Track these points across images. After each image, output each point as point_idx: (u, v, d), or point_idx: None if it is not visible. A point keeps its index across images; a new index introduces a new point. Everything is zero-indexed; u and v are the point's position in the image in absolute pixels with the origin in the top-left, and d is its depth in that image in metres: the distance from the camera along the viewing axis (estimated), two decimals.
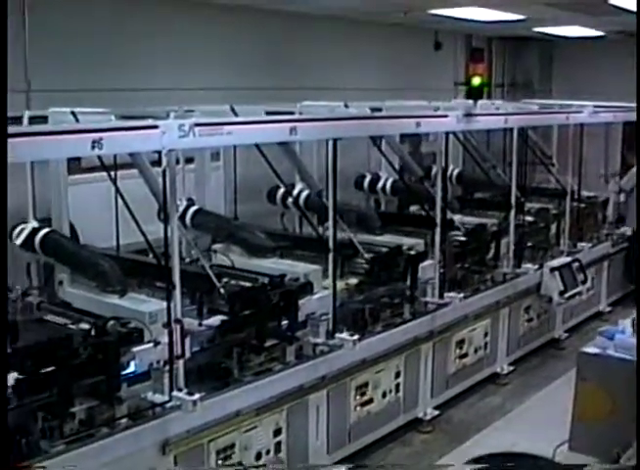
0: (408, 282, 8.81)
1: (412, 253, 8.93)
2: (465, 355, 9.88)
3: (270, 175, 8.59)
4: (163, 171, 6.10)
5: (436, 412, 9.35)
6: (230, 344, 7.07)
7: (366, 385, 8.33)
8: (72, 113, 7.15)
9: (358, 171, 11.39)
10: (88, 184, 9.15)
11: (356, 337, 7.70)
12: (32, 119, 7.38)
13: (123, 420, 6.24)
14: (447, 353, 9.59)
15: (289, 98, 9.73)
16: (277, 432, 7.38)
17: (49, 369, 5.71)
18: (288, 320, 7.37)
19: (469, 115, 9.20)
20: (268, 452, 7.32)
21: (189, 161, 8.87)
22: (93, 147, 5.55)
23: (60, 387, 5.75)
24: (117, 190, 6.83)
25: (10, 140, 5.15)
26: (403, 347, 8.74)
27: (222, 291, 6.98)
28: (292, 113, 8.28)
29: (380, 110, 9.53)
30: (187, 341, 6.48)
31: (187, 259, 7.86)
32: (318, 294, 7.81)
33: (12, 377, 5.65)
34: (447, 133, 9.45)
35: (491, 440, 8.50)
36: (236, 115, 8.07)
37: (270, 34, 12.59)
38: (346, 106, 9.23)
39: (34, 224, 7.43)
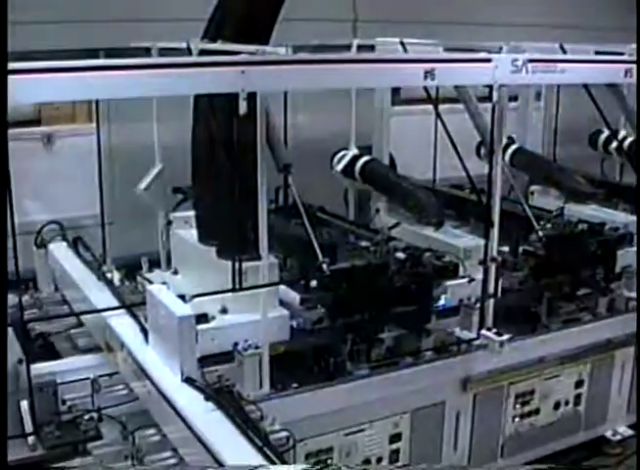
0: None
1: None
2: None
3: (592, 119, 8.22)
4: (493, 106, 5.96)
5: None
6: (542, 288, 6.92)
7: None
8: (401, 43, 7.12)
9: None
10: (407, 116, 9.22)
11: None
12: (360, 48, 7.43)
13: (428, 352, 6.28)
14: None
15: (618, 39, 9.23)
16: (579, 384, 7.20)
17: (364, 294, 5.80)
18: (604, 271, 7.09)
19: None
20: (567, 403, 7.18)
21: (511, 99, 8.66)
22: (425, 77, 5.48)
23: (372, 312, 5.84)
24: (443, 124, 6.76)
25: (336, 66, 5.22)
26: None
27: (540, 234, 6.80)
28: (621, 54, 7.83)
29: None
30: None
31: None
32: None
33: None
34: None
35: None
36: (565, 53, 7.74)
37: None
38: None
39: (355, 152, 7.52)
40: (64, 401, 5.14)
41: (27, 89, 4.15)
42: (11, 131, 4.45)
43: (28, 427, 4.82)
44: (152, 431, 5.12)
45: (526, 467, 6.69)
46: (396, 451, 6.24)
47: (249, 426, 4.39)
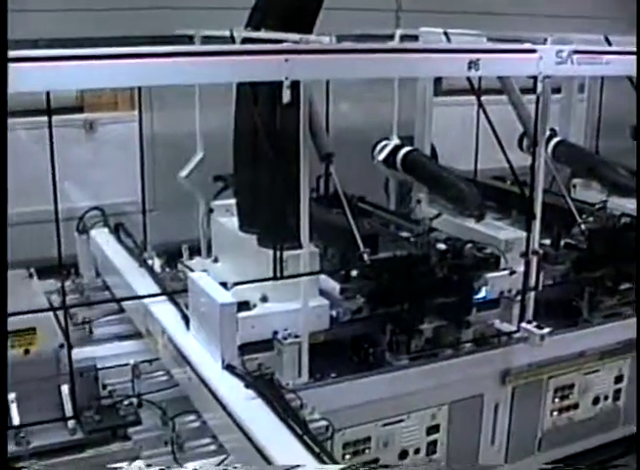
0: None
1: None
2: None
3: (635, 111, 8.11)
4: (537, 98, 5.91)
5: None
6: (583, 282, 6.86)
7: None
8: (445, 33, 7.07)
9: None
10: (449, 107, 9.17)
11: None
12: (403, 38, 7.39)
13: (468, 344, 6.24)
14: None
15: None
16: (618, 379, 7.13)
17: (404, 284, 5.79)
18: None
19: None
20: (606, 399, 7.11)
21: (554, 91, 8.58)
22: (469, 68, 5.42)
23: (412, 303, 5.82)
24: (486, 115, 6.69)
25: (380, 56, 5.18)
26: None
27: (582, 227, 6.74)
28: None
29: None
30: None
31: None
32: None
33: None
34: None
35: None
36: (610, 45, 7.65)
37: None
38: None
39: (397, 142, 7.50)
40: (104, 386, 5.16)
41: (71, 76, 4.15)
42: (54, 117, 4.47)
43: (68, 411, 4.85)
44: (192, 417, 5.14)
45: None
46: (434, 443, 6.22)
47: (289, 414, 4.39)
